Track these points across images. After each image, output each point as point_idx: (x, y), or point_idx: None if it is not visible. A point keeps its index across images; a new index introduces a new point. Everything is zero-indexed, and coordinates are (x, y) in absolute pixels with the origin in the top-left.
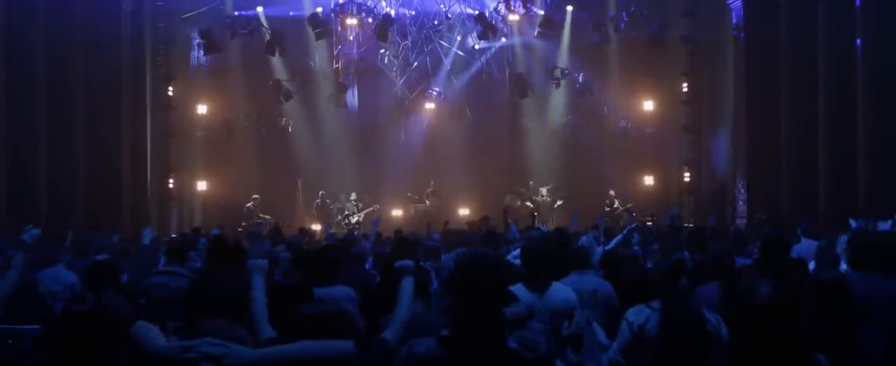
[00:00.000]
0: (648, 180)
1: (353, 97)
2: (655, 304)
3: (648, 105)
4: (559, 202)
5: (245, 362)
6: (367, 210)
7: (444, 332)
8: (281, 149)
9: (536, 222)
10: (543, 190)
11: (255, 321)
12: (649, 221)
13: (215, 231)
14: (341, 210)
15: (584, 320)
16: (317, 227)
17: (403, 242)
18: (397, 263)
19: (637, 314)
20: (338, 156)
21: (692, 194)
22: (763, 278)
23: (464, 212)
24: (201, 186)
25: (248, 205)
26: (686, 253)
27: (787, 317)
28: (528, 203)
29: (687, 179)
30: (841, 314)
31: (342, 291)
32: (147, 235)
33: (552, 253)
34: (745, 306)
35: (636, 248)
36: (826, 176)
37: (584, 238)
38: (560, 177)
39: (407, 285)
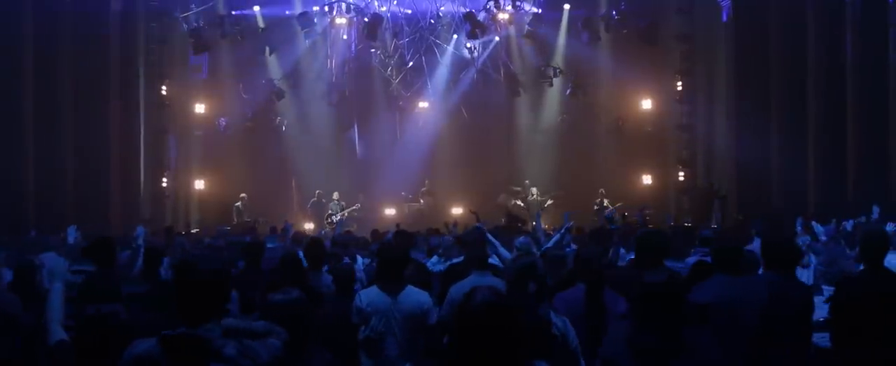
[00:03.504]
0: (646, 180)
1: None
2: None
3: (646, 104)
4: (549, 202)
5: None
6: (349, 209)
7: (171, 331)
8: (275, 148)
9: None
10: (534, 190)
11: (48, 323)
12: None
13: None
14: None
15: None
16: (310, 225)
17: (314, 243)
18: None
19: None
20: (331, 155)
21: (687, 194)
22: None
23: (457, 211)
24: (198, 184)
25: (237, 204)
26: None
27: (501, 321)
28: (519, 203)
29: (682, 179)
30: (667, 316)
31: None
32: (71, 234)
33: (403, 255)
34: (460, 311)
35: (571, 247)
36: (815, 175)
37: (520, 239)
38: (556, 176)
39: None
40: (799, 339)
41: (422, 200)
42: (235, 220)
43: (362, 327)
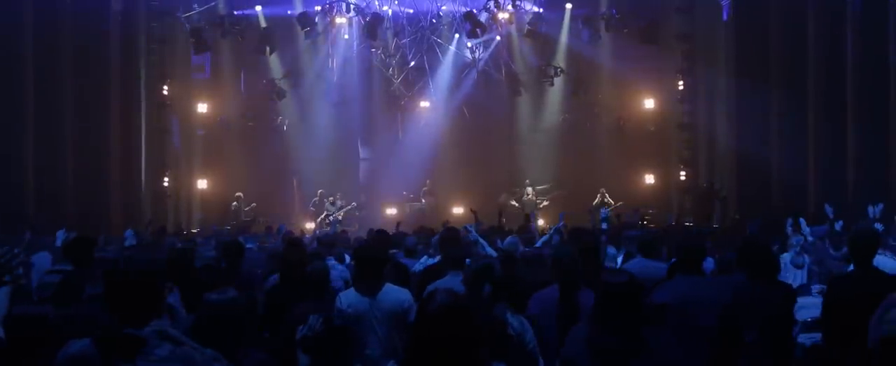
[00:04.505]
0: (648, 179)
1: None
2: None
3: (647, 103)
4: (545, 202)
5: None
6: (345, 208)
7: (110, 332)
8: (277, 147)
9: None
10: (529, 189)
11: None
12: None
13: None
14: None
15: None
16: (311, 225)
17: (293, 242)
18: None
19: None
20: (333, 154)
21: (688, 193)
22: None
23: (458, 211)
24: (201, 184)
25: (234, 204)
26: None
27: (458, 323)
28: (514, 203)
29: (683, 178)
30: (627, 316)
31: None
32: (60, 237)
33: (380, 255)
34: (419, 313)
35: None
36: (816, 174)
37: (508, 239)
38: (557, 176)
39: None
40: (777, 340)
41: (423, 200)
42: (234, 221)
43: (300, 327)
